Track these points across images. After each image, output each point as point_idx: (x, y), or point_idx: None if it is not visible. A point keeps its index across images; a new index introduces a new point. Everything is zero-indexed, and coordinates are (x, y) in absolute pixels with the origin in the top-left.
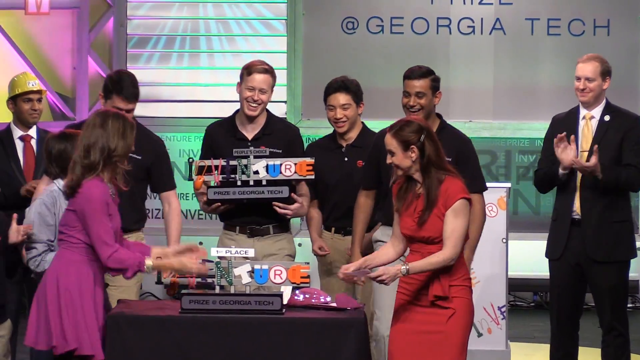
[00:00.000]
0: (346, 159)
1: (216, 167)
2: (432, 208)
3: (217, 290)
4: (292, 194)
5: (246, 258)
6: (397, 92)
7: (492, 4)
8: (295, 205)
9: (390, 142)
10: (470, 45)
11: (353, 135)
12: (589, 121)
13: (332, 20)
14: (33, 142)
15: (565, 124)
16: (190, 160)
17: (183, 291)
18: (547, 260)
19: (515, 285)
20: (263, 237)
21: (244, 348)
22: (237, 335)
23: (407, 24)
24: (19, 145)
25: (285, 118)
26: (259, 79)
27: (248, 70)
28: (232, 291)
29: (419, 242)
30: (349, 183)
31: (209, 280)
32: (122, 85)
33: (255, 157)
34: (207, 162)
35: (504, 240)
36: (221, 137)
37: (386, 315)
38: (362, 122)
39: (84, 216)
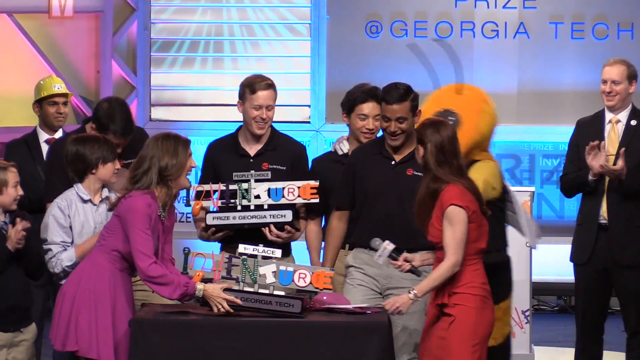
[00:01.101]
0: None
1: (215, 191)
2: (427, 216)
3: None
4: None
5: (272, 258)
6: (421, 96)
7: (516, 7)
8: (287, 234)
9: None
10: (494, 49)
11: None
12: (615, 125)
13: (355, 24)
14: None
15: (590, 128)
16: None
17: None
18: (570, 264)
19: (539, 290)
20: (265, 262)
21: (267, 352)
22: (260, 340)
23: (431, 27)
24: (45, 149)
25: (309, 122)
26: (264, 96)
27: (251, 89)
28: (256, 289)
29: (433, 245)
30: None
31: (234, 276)
32: (119, 121)
33: (256, 180)
34: (206, 187)
35: (528, 245)
36: (223, 155)
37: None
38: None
39: (126, 224)
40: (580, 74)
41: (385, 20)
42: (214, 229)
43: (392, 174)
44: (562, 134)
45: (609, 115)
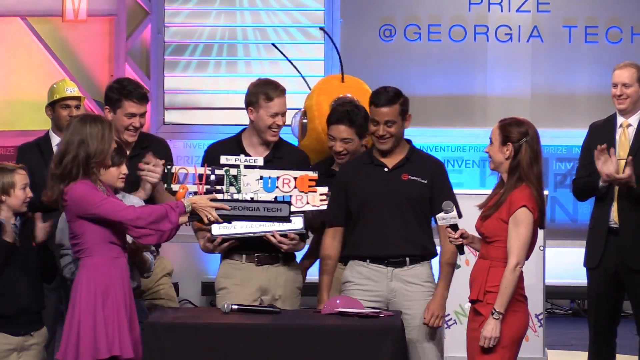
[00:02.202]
0: None
1: (200, 176)
2: (494, 210)
3: (226, 196)
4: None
5: (255, 166)
6: (434, 99)
7: (529, 11)
8: (290, 241)
9: (495, 131)
10: (507, 53)
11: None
12: (626, 129)
13: (369, 27)
14: None
15: (602, 132)
16: (168, 166)
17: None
18: (584, 268)
19: (552, 293)
20: (273, 266)
21: (280, 356)
22: (272, 343)
23: (444, 31)
24: None
25: None
26: (280, 102)
27: (267, 95)
28: (241, 198)
29: (481, 237)
30: None
31: (218, 187)
32: (130, 89)
33: (246, 167)
34: (190, 169)
35: (542, 248)
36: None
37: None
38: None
39: (86, 211)
40: (594, 78)
41: (398, 24)
42: (219, 239)
43: (386, 181)
44: (575, 137)
45: (620, 119)
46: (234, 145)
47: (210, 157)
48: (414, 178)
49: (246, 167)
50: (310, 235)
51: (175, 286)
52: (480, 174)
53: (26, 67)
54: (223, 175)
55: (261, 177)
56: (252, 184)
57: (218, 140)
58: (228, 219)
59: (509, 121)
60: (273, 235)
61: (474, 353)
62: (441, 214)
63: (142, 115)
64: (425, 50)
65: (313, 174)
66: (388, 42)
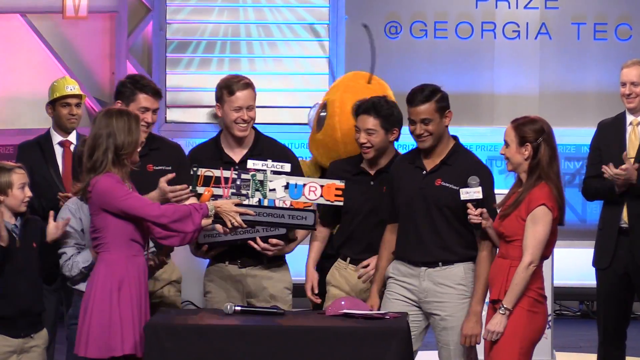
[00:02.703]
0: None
1: (226, 179)
2: (513, 209)
3: (252, 202)
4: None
5: (282, 172)
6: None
7: (537, 8)
8: (278, 244)
9: (509, 133)
10: (515, 50)
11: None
12: (636, 127)
13: (375, 25)
14: (72, 148)
15: (612, 130)
16: (194, 168)
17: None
18: (593, 268)
19: (561, 294)
20: (257, 268)
21: (285, 358)
22: (276, 345)
23: (451, 28)
24: (58, 151)
25: None
26: (243, 96)
27: (229, 90)
28: (266, 204)
29: (500, 237)
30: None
31: (243, 192)
32: (144, 83)
33: (273, 172)
34: (216, 172)
35: None
36: (206, 162)
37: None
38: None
39: (110, 205)
40: (603, 75)
41: (404, 21)
42: (205, 247)
43: (421, 185)
44: (584, 136)
45: (629, 118)
46: (213, 146)
47: (192, 160)
48: (446, 184)
49: (273, 172)
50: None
51: None
52: None
53: (26, 65)
54: (249, 179)
55: (287, 184)
56: (277, 190)
57: (199, 143)
58: (252, 224)
59: (523, 120)
60: (256, 243)
61: (492, 353)
62: (465, 189)
63: (155, 111)
64: (431, 48)
65: (340, 183)
66: (394, 40)
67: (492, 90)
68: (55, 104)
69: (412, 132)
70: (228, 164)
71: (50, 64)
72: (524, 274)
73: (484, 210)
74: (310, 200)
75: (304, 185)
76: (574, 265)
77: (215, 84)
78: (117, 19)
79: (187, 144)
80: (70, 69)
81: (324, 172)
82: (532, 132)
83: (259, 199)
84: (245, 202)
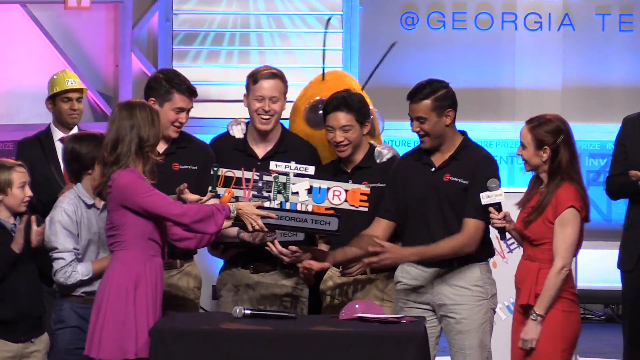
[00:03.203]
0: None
1: (247, 180)
2: (539, 213)
3: (273, 204)
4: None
5: (305, 175)
6: (459, 92)
7: None
8: (297, 252)
9: (525, 135)
10: (537, 42)
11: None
12: None
13: (390, 15)
14: None
15: (638, 126)
16: (215, 167)
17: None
18: (618, 270)
19: (584, 297)
20: (269, 273)
21: None
22: (288, 350)
23: (470, 19)
24: (59, 148)
25: None
26: (267, 86)
27: (254, 78)
28: (288, 207)
29: (525, 240)
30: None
31: (265, 194)
32: (180, 80)
33: (296, 175)
34: (237, 173)
35: None
36: (228, 153)
37: None
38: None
39: (131, 202)
40: (629, 68)
41: (421, 11)
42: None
43: (430, 182)
44: (609, 132)
45: None
46: (238, 138)
47: (213, 149)
48: (455, 179)
49: (296, 175)
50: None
51: None
52: (508, 171)
53: (26, 57)
54: (271, 181)
55: (311, 187)
56: (300, 194)
57: (221, 133)
58: (273, 228)
59: (538, 122)
60: (274, 245)
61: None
62: (485, 192)
63: (189, 111)
64: (449, 40)
65: (365, 189)
66: (410, 31)
67: (513, 85)
68: (55, 98)
69: (414, 131)
70: (251, 157)
71: (51, 57)
72: (556, 279)
73: (507, 212)
74: (334, 205)
75: (328, 189)
76: (598, 267)
77: (223, 78)
78: (122, 9)
79: None
80: (72, 62)
81: None
82: (550, 134)
83: (281, 202)
84: (267, 205)
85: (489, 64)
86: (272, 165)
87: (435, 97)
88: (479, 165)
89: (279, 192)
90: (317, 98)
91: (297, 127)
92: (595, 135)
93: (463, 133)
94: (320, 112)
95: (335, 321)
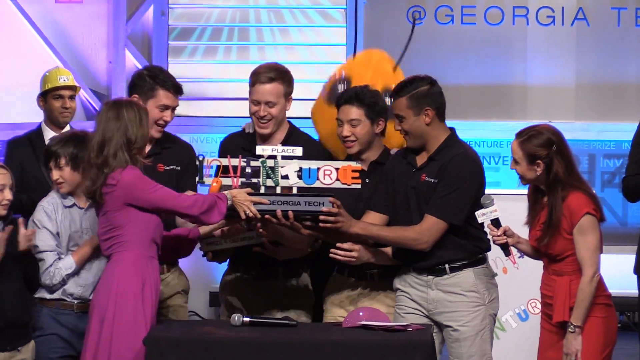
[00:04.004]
0: None
1: (234, 168)
2: (553, 230)
3: (262, 190)
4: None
5: (294, 157)
6: (468, 89)
7: None
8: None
9: (516, 150)
10: (549, 38)
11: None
12: None
13: (396, 10)
14: None
15: None
16: (200, 157)
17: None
18: (634, 276)
19: None
20: (271, 280)
21: None
22: (290, 359)
23: (479, 13)
24: None
25: None
26: (263, 90)
27: (252, 80)
28: (278, 191)
29: (545, 256)
30: None
31: (254, 180)
32: (164, 77)
33: (284, 157)
34: (224, 161)
35: None
36: (235, 153)
37: None
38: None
39: (139, 200)
40: None
41: (429, 5)
42: (210, 255)
43: (410, 182)
44: (625, 131)
45: None
46: (248, 137)
47: (224, 151)
48: (428, 179)
49: (284, 157)
50: None
51: None
52: None
53: (15, 53)
54: (259, 167)
55: (300, 169)
56: (290, 176)
57: (233, 132)
58: (267, 214)
59: (527, 135)
60: (264, 247)
61: None
62: (480, 210)
63: (174, 109)
64: (458, 35)
65: (356, 164)
66: (417, 26)
67: (525, 82)
68: (47, 96)
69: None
70: (257, 157)
71: (41, 53)
72: (590, 288)
73: (507, 227)
74: (325, 184)
75: (318, 169)
76: (613, 272)
77: (221, 74)
78: (115, 3)
79: (191, 140)
80: (63, 58)
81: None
82: (541, 147)
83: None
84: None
85: (500, 61)
86: (259, 150)
87: (411, 94)
88: (447, 164)
89: (268, 176)
90: (339, 75)
91: (317, 108)
92: (611, 134)
93: (451, 130)
94: (339, 88)
95: (338, 329)
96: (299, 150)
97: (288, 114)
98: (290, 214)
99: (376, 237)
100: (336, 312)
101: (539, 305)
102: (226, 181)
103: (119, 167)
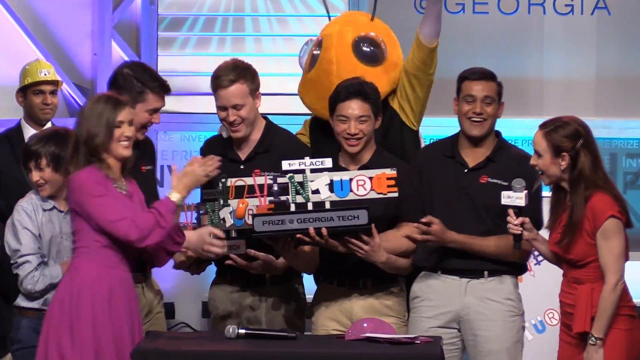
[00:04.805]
0: None
1: (260, 187)
2: (574, 232)
3: (293, 208)
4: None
5: (323, 169)
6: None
7: None
8: (259, 260)
9: (539, 141)
10: (568, 28)
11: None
12: None
13: None
14: None
15: None
16: (223, 179)
17: (252, 213)
18: None
19: None
20: (259, 288)
21: None
22: None
23: (493, 2)
24: None
25: None
26: (226, 94)
27: (213, 86)
28: (310, 208)
29: (565, 263)
30: None
31: (282, 198)
32: (151, 77)
33: (312, 171)
34: (248, 181)
35: None
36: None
37: None
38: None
39: (83, 208)
40: None
41: None
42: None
43: (464, 182)
44: None
45: None
46: (225, 141)
47: (204, 155)
48: (494, 181)
49: (313, 171)
50: None
51: (171, 306)
52: None
53: None
54: (287, 183)
55: (331, 182)
56: (321, 191)
57: (213, 135)
58: (299, 232)
59: (553, 126)
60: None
61: None
62: (508, 192)
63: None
64: (470, 25)
65: (391, 172)
66: None
67: (541, 75)
68: (26, 91)
69: (464, 113)
70: (233, 162)
71: (20, 44)
72: (612, 297)
73: (526, 219)
74: (359, 196)
75: (351, 179)
76: (636, 280)
77: (214, 68)
78: None
79: (183, 138)
80: (44, 50)
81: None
82: (567, 139)
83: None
84: (287, 222)
85: (514, 53)
86: (285, 165)
87: (498, 82)
88: (519, 166)
89: (297, 192)
90: (371, 34)
91: (302, 83)
92: (634, 132)
93: (498, 133)
94: (365, 48)
95: (340, 342)
96: (328, 162)
97: (287, 110)
98: (324, 230)
99: (475, 249)
100: (329, 324)
101: (557, 316)
102: (253, 201)
103: (79, 166)
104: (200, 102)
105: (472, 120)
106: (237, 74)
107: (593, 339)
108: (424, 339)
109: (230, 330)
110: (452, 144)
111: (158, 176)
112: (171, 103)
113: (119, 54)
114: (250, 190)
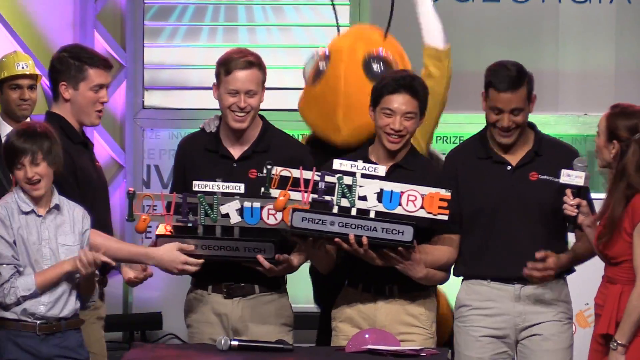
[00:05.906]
0: None
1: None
2: (612, 229)
3: (336, 210)
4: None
5: (376, 176)
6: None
7: None
8: (282, 264)
9: (602, 121)
10: (585, 17)
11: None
12: None
13: None
14: None
15: None
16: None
17: (293, 206)
18: None
19: None
20: (246, 298)
21: None
22: None
23: None
24: None
25: None
26: (242, 77)
27: (226, 68)
28: (353, 213)
29: (602, 257)
30: None
31: (327, 198)
32: (89, 54)
33: (363, 176)
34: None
35: None
36: (198, 155)
37: None
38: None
39: None
40: None
41: None
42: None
43: (510, 183)
44: None
45: None
46: (210, 137)
47: (181, 154)
48: (545, 177)
49: (364, 176)
50: None
51: (158, 317)
52: None
53: None
54: (334, 183)
55: (381, 191)
56: (369, 198)
57: (192, 132)
58: (338, 237)
59: (620, 110)
60: (258, 262)
61: None
62: (567, 170)
63: (107, 87)
64: (479, 14)
65: (445, 193)
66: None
67: (556, 68)
68: (2, 85)
69: (494, 123)
70: (225, 159)
71: None
72: (639, 301)
73: (584, 202)
74: (408, 211)
75: (402, 193)
76: None
77: (205, 60)
78: None
79: (170, 136)
80: (23, 42)
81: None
82: (624, 129)
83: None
84: (328, 224)
85: (527, 44)
86: (336, 164)
87: (527, 80)
88: (567, 159)
89: (344, 195)
90: (322, 53)
91: (304, 99)
92: None
93: (532, 126)
94: (376, 68)
95: (340, 355)
96: (381, 170)
97: (286, 106)
98: (365, 239)
99: (579, 257)
100: (350, 331)
101: (589, 319)
102: (295, 195)
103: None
104: (189, 97)
105: (500, 131)
106: (255, 59)
107: (615, 344)
108: (430, 350)
109: (222, 341)
110: (483, 144)
111: (144, 176)
112: (158, 98)
113: (102, 44)
114: (295, 184)
